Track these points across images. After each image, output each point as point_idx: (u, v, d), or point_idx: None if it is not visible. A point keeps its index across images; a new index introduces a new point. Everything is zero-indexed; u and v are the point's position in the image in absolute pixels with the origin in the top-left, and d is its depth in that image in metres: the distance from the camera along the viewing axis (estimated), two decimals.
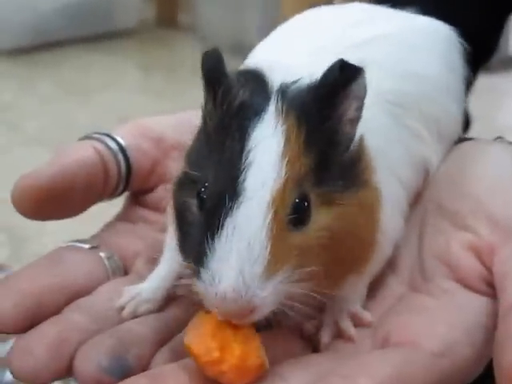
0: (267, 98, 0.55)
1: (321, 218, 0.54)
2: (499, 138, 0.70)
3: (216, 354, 0.52)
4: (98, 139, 0.70)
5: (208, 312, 0.55)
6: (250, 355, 0.53)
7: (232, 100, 0.55)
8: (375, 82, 0.61)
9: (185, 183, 0.58)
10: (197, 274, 0.52)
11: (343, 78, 0.54)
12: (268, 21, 3.16)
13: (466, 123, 1.00)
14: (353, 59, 0.55)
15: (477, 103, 0.81)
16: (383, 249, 0.63)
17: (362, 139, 0.58)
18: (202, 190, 0.54)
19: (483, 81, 1.08)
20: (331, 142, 0.56)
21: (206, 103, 0.57)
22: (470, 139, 0.73)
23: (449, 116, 0.72)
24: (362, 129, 0.59)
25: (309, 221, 0.54)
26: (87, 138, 0.71)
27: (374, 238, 0.59)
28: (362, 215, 0.57)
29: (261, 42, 0.71)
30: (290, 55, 0.63)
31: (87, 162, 0.67)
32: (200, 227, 0.54)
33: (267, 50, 0.69)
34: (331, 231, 0.55)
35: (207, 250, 0.52)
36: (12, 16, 3.30)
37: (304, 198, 0.54)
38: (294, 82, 0.56)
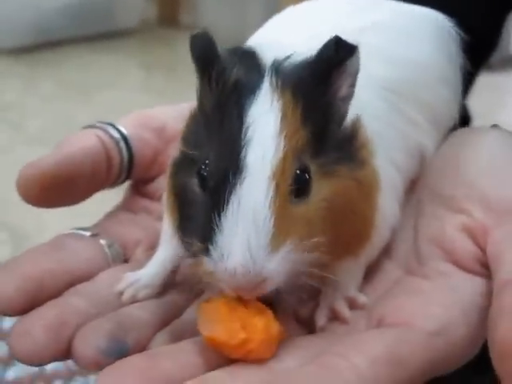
0: (261, 75, 0.56)
1: (321, 189, 0.55)
2: (495, 126, 0.71)
3: (242, 336, 0.53)
4: (100, 128, 0.71)
5: (209, 301, 0.56)
6: (271, 326, 0.55)
7: (226, 79, 0.56)
8: (372, 69, 0.62)
9: (183, 164, 0.59)
10: (205, 251, 0.53)
11: (338, 54, 0.55)
12: (269, 19, 3.16)
13: (466, 120, 1.00)
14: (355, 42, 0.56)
15: (479, 101, 0.81)
16: (381, 233, 0.64)
17: (358, 119, 0.59)
18: (203, 167, 0.55)
19: (485, 79, 1.09)
20: (326, 117, 0.57)
21: (200, 85, 0.58)
22: (465, 127, 0.74)
23: (444, 103, 0.72)
24: (359, 112, 0.60)
25: (310, 192, 0.55)
26: (90, 127, 0.72)
27: (372, 218, 0.60)
28: (359, 192, 0.58)
29: (249, 34, 0.72)
30: (286, 39, 0.64)
31: (91, 149, 0.68)
32: (204, 205, 0.54)
33: (263, 36, 0.70)
34: (332, 203, 0.56)
35: (214, 227, 0.53)
36: (14, 15, 3.30)
37: (304, 169, 0.55)
38: (287, 58, 0.57)
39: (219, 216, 0.53)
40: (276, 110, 0.55)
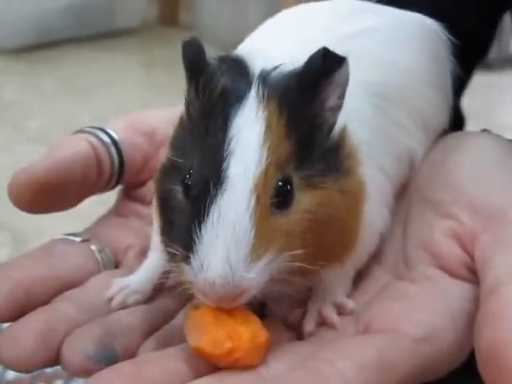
0: (248, 85, 0.56)
1: (304, 201, 0.55)
2: (485, 131, 0.71)
3: (228, 345, 0.53)
4: (90, 133, 0.71)
5: (197, 307, 0.56)
6: (257, 333, 0.55)
7: (213, 87, 0.56)
8: (360, 74, 0.62)
9: (169, 170, 0.59)
10: (186, 260, 0.53)
11: (326, 65, 0.55)
12: (269, 2, 3.15)
13: (460, 121, 1.00)
14: (339, 51, 0.56)
15: (477, 101, 0.81)
16: (368, 241, 0.64)
17: (344, 129, 0.59)
18: (187, 176, 0.55)
19: (483, 79, 1.09)
20: (313, 128, 0.57)
21: (188, 92, 0.58)
22: (454, 132, 0.74)
23: (433, 108, 0.73)
24: (346, 120, 0.60)
25: (292, 203, 0.55)
26: (80, 131, 0.72)
27: (357, 227, 0.60)
28: (343, 202, 0.58)
29: (249, 35, 0.72)
30: (276, 45, 0.64)
31: (81, 155, 0.68)
32: (187, 214, 0.55)
33: (254, 41, 0.70)
34: (314, 214, 0.56)
35: (194, 237, 0.53)
36: (15, 15, 3.30)
37: (287, 181, 0.55)
38: (275, 68, 0.57)
39: (199, 226, 0.53)
40: (260, 120, 0.55)
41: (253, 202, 0.53)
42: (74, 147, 0.68)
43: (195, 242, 0.53)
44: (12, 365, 0.56)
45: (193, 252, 0.53)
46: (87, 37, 3.48)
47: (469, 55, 0.76)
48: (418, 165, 0.70)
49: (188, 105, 0.59)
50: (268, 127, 0.55)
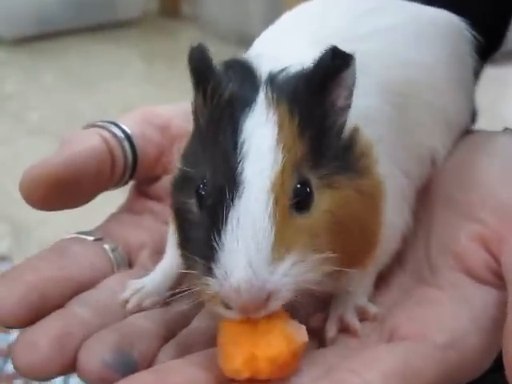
0: (256, 88, 0.55)
1: (323, 202, 0.54)
2: (507, 129, 0.69)
3: (245, 375, 0.52)
4: (103, 127, 0.70)
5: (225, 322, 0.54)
6: (293, 340, 0.53)
7: (221, 94, 0.55)
8: (379, 73, 0.61)
9: (182, 182, 0.58)
10: (209, 271, 0.52)
11: (335, 65, 0.54)
12: (271, 9, 3.15)
13: (473, 115, 0.99)
14: (356, 50, 0.55)
15: (479, 95, 0.81)
16: (389, 242, 0.63)
17: (356, 128, 0.58)
18: (201, 186, 0.54)
19: (488, 72, 1.08)
20: (324, 127, 0.56)
21: (195, 99, 0.57)
22: (477, 131, 0.73)
23: (457, 106, 0.71)
24: (365, 120, 0.59)
25: (312, 204, 0.54)
26: (92, 125, 0.70)
27: (377, 228, 0.59)
28: (361, 202, 0.57)
29: (264, 32, 0.70)
30: (288, 47, 0.63)
31: (95, 150, 0.67)
32: (203, 225, 0.53)
33: (268, 40, 0.68)
34: (335, 215, 0.55)
35: (215, 246, 0.51)
36: (15, 5, 3.30)
37: (305, 181, 0.54)
38: (282, 71, 0.56)
39: (219, 234, 0.52)
40: (272, 122, 0.54)
41: (271, 203, 0.52)
42: (87, 142, 0.67)
43: (216, 251, 0.52)
44: (28, 372, 0.54)
45: (214, 261, 0.52)
46: (88, 28, 3.48)
47: (483, 50, 0.74)
48: (440, 164, 0.69)
49: (196, 113, 0.58)
50: (280, 128, 0.54)
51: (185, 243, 0.57)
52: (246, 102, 0.55)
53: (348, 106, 0.57)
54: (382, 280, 0.64)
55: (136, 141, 0.71)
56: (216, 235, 0.52)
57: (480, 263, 0.59)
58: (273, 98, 0.54)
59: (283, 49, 0.62)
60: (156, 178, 0.74)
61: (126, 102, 2.68)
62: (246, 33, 2.80)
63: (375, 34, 0.65)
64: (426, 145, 0.68)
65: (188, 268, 0.55)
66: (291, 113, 0.54)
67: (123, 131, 0.70)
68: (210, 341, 0.57)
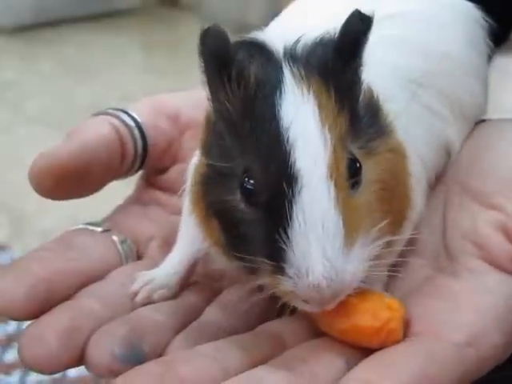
0: (278, 65, 0.53)
1: (370, 171, 0.53)
2: None
3: (386, 314, 0.53)
4: (113, 115, 0.69)
5: None
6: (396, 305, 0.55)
7: (247, 79, 0.52)
8: (397, 60, 0.60)
9: (214, 178, 0.55)
10: (279, 270, 0.50)
11: (365, 27, 0.53)
12: (269, 1, 3.14)
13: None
14: (372, 34, 0.53)
15: None
16: (412, 212, 0.61)
17: (371, 89, 0.56)
18: (246, 180, 0.52)
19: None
20: (355, 96, 0.54)
21: (213, 89, 0.54)
22: (489, 119, 0.72)
23: (472, 95, 0.70)
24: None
25: (362, 178, 0.53)
26: (102, 113, 0.69)
27: (410, 188, 0.58)
28: (397, 161, 0.56)
29: (279, 16, 0.68)
30: (300, 22, 0.62)
31: (105, 137, 0.66)
32: (261, 222, 0.51)
33: (278, 24, 0.66)
34: (382, 181, 0.54)
35: (282, 245, 0.50)
36: None
37: (353, 157, 0.53)
38: (297, 42, 0.54)
39: (285, 231, 0.50)
40: (310, 102, 0.52)
41: (333, 191, 0.50)
42: (97, 130, 0.66)
43: (285, 250, 0.50)
44: (36, 366, 0.53)
45: (285, 261, 0.50)
46: (87, 17, 3.48)
47: (496, 37, 0.73)
48: (456, 153, 0.68)
49: (218, 104, 0.54)
50: (320, 107, 0.52)
51: (236, 242, 0.54)
52: (273, 83, 0.52)
53: (362, 66, 0.54)
54: (396, 268, 0.62)
55: (146, 130, 0.70)
56: (282, 233, 0.50)
57: (501, 251, 0.58)
58: (300, 74, 0.52)
59: (293, 25, 0.61)
60: (164, 169, 0.73)
61: (124, 92, 2.67)
62: (245, 22, 2.79)
63: (391, 19, 0.64)
64: (442, 134, 0.67)
65: (242, 267, 0.54)
66: (327, 87, 0.52)
67: (133, 120, 0.69)
68: (220, 333, 0.57)
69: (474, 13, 0.71)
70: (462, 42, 0.69)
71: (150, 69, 3.14)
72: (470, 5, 0.71)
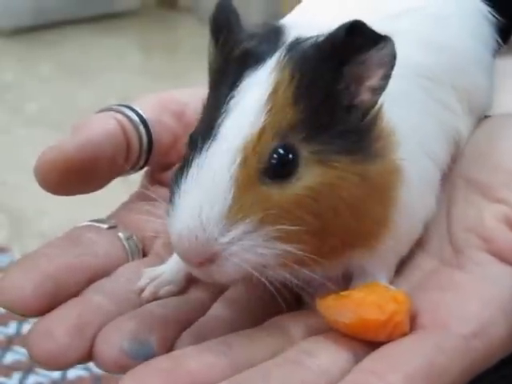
0: (274, 51, 0.55)
1: (309, 178, 0.53)
2: None
3: (391, 307, 0.53)
4: (118, 111, 0.69)
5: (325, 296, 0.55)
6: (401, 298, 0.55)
7: (235, 47, 0.55)
8: (407, 54, 0.59)
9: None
10: (167, 212, 0.54)
11: (354, 41, 0.53)
12: (269, 1, 3.14)
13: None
14: (384, 30, 0.54)
15: None
16: (409, 229, 0.61)
17: (377, 110, 0.56)
18: (190, 135, 0.56)
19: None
20: (334, 104, 0.55)
21: (211, 48, 0.58)
22: (494, 114, 0.72)
23: (479, 89, 0.70)
24: (391, 103, 0.57)
25: (293, 177, 0.53)
26: (107, 109, 0.69)
27: (384, 216, 0.57)
28: (362, 188, 0.55)
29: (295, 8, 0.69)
30: (321, 17, 0.62)
31: (110, 133, 0.66)
32: (179, 167, 0.55)
33: (301, 11, 0.67)
34: (319, 194, 0.53)
35: (176, 189, 0.53)
36: None
37: (288, 150, 0.53)
38: (308, 38, 0.56)
39: (181, 177, 0.53)
40: (268, 83, 0.53)
41: (237, 162, 0.52)
42: (102, 125, 0.66)
43: (175, 193, 0.53)
44: (44, 362, 0.53)
45: (172, 203, 0.53)
46: (86, 19, 3.48)
47: (503, 34, 0.73)
48: (462, 147, 0.67)
49: (209, 61, 0.59)
50: (275, 90, 0.53)
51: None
52: (257, 61, 0.55)
53: (382, 88, 0.55)
54: (403, 262, 0.63)
55: (151, 126, 0.70)
56: (179, 179, 0.53)
57: (507, 244, 0.58)
58: (283, 60, 0.54)
59: (315, 19, 0.61)
60: (170, 165, 0.73)
61: (123, 93, 2.68)
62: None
63: (401, 15, 0.64)
64: (452, 128, 0.66)
65: None
66: (291, 78, 0.53)
67: (139, 115, 0.69)
68: (228, 328, 0.57)
69: (482, 8, 0.71)
70: (469, 36, 0.69)
71: (148, 70, 3.14)
72: (480, 1, 0.71)
